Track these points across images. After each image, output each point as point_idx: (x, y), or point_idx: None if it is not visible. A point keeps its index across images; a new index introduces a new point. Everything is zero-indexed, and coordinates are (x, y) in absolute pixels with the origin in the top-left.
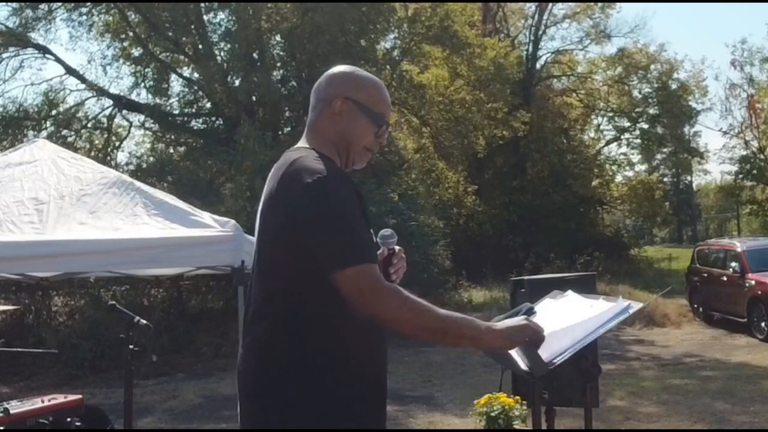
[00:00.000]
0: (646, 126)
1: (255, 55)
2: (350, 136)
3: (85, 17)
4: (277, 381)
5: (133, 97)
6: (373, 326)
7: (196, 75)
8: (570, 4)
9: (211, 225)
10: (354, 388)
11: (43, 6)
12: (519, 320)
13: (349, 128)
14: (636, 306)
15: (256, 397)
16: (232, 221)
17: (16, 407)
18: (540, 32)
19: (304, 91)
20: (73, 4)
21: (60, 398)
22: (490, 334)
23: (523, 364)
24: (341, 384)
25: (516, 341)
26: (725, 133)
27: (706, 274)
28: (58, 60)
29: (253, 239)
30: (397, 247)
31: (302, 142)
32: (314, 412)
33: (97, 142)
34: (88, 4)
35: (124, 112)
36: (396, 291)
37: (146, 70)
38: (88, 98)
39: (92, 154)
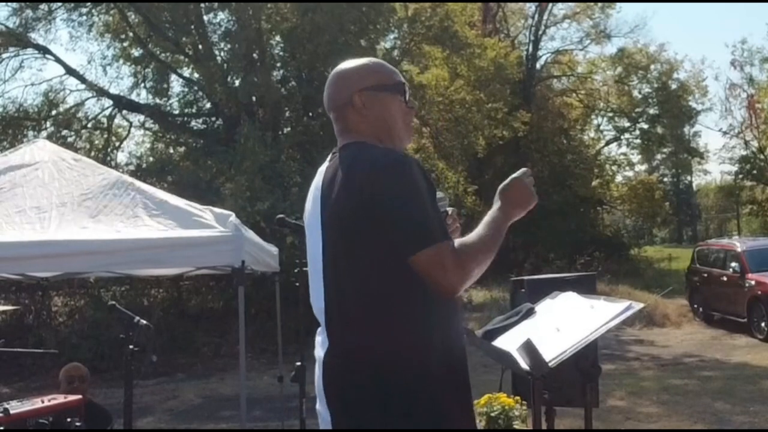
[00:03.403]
0: (646, 126)
1: (255, 55)
2: (386, 119)
3: (85, 17)
4: (387, 384)
5: (133, 97)
6: (451, 313)
7: (196, 75)
8: (570, 4)
9: (211, 225)
10: (450, 386)
11: (43, 6)
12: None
13: (381, 114)
14: (636, 306)
15: (372, 405)
16: (232, 216)
17: (16, 407)
18: (540, 32)
19: (304, 91)
20: (73, 5)
21: (60, 398)
22: (509, 216)
23: (523, 364)
24: (441, 382)
25: (525, 202)
26: (725, 133)
27: (706, 274)
28: (58, 60)
29: (255, 238)
30: (450, 209)
31: (345, 142)
32: (428, 416)
33: (97, 142)
34: (88, 4)
35: (124, 112)
36: (465, 259)
37: (146, 70)
38: (88, 98)
39: (92, 154)
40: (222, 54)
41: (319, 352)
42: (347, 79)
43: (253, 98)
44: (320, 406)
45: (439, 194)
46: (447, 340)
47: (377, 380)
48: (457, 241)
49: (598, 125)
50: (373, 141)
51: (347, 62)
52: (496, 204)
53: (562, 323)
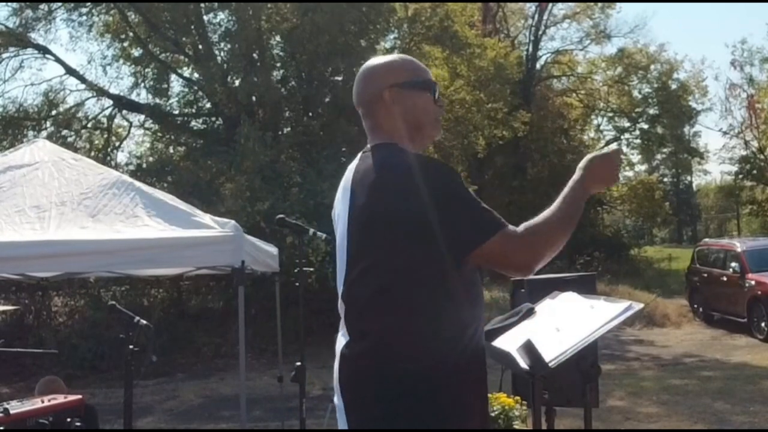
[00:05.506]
0: (646, 126)
1: (255, 55)
2: (416, 116)
3: (85, 17)
4: (402, 380)
5: (133, 97)
6: (468, 312)
7: (196, 75)
8: (570, 4)
9: (210, 225)
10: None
11: (43, 6)
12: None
13: (411, 111)
14: (637, 307)
15: (384, 399)
16: (232, 222)
17: (16, 407)
18: (540, 32)
19: (304, 91)
20: (73, 4)
21: (60, 398)
22: (589, 190)
23: (523, 364)
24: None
25: (610, 179)
26: (725, 133)
27: (706, 275)
28: (58, 60)
29: (254, 240)
30: None
31: (376, 142)
32: (440, 410)
33: (97, 142)
34: (88, 4)
35: (124, 112)
36: (530, 238)
37: (146, 70)
38: (88, 98)
39: (92, 154)
40: (222, 54)
41: (339, 345)
42: (377, 75)
43: (253, 98)
44: (336, 398)
45: None
46: (463, 340)
47: (389, 375)
48: (525, 223)
49: (598, 125)
50: (402, 138)
51: (377, 58)
52: (578, 176)
53: (562, 324)
